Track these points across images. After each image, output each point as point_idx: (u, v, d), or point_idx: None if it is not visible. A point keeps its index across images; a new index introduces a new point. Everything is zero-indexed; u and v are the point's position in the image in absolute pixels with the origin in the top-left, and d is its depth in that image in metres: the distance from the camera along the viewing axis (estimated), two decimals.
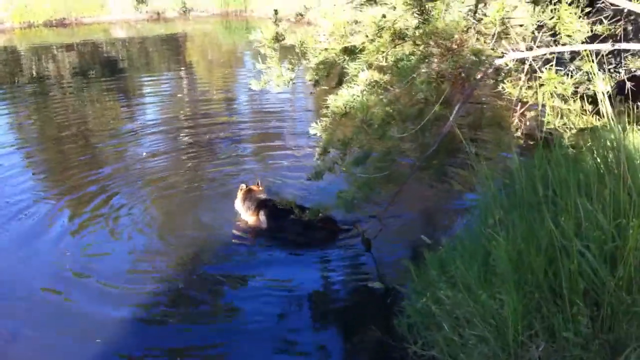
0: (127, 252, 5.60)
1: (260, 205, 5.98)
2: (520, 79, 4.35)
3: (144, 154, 8.71)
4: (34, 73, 16.37)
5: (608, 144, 3.61)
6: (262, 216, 5.91)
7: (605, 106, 3.61)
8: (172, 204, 6.70)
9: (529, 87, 4.31)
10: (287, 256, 5.56)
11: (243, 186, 6.16)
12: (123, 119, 11.46)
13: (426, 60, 4.29)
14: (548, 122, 4.35)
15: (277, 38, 4.74)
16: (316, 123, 4.75)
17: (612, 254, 2.99)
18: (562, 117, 4.39)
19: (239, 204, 6.13)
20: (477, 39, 4.26)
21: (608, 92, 3.65)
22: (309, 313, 4.74)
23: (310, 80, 4.83)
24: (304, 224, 5.39)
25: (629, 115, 3.67)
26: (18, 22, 25.63)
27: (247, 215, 6.06)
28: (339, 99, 4.61)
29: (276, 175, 7.50)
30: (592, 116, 4.29)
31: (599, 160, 3.59)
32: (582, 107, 4.33)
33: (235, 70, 17.11)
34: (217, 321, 4.60)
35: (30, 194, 7.04)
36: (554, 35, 4.25)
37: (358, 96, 4.54)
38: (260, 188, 6.22)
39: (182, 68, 17.76)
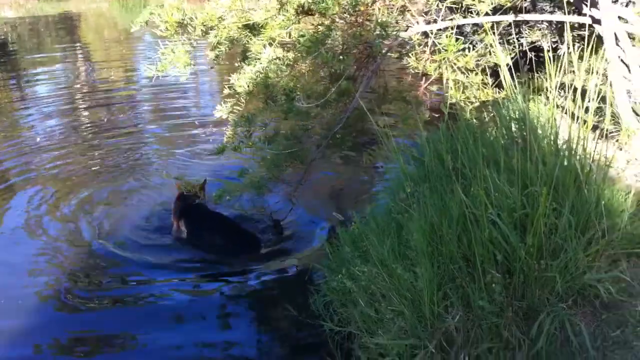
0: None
1: (183, 213, 5.43)
2: (424, 52, 4.36)
3: (38, 139, 8.34)
4: None
5: (512, 115, 3.69)
6: (182, 226, 5.40)
7: (506, 77, 3.67)
8: (75, 195, 6.37)
9: (433, 61, 4.33)
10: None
11: (179, 186, 5.52)
12: (15, 102, 10.90)
13: (332, 35, 4.22)
14: (451, 95, 4.40)
15: (182, 23, 4.50)
16: (220, 104, 4.60)
17: (522, 222, 3.05)
18: (463, 91, 4.44)
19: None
20: (382, 13, 4.23)
21: (508, 63, 3.72)
22: (223, 297, 4.64)
23: (211, 58, 4.66)
24: (224, 234, 5.20)
25: (530, 86, 3.76)
26: None
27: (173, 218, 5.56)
28: (242, 78, 4.48)
29: (182, 157, 7.33)
30: (493, 88, 4.37)
31: (503, 131, 3.66)
32: (483, 80, 4.40)
33: (133, 51, 16.54)
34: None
35: None
36: (457, 8, 4.29)
37: (261, 73, 4.43)
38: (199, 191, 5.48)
39: (77, 49, 17.01)
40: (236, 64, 4.74)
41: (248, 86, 4.48)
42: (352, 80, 4.52)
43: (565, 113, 3.52)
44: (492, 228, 3.01)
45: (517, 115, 3.63)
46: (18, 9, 25.63)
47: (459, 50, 4.20)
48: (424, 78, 4.56)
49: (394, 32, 4.19)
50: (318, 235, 5.16)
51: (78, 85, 12.41)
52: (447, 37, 4.05)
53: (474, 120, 4.08)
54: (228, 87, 4.54)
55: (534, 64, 3.56)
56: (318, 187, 6.08)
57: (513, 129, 3.65)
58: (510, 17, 4.06)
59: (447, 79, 4.40)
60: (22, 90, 12.07)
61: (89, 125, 9.31)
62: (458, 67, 4.35)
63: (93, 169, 7.12)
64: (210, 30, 4.39)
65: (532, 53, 4.28)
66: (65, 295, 4.55)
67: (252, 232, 5.22)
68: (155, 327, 4.20)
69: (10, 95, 11.47)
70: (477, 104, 4.37)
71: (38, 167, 7.24)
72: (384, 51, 4.31)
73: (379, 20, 4.08)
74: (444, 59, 4.24)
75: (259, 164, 4.72)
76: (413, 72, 4.58)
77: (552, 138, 3.35)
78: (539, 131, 3.42)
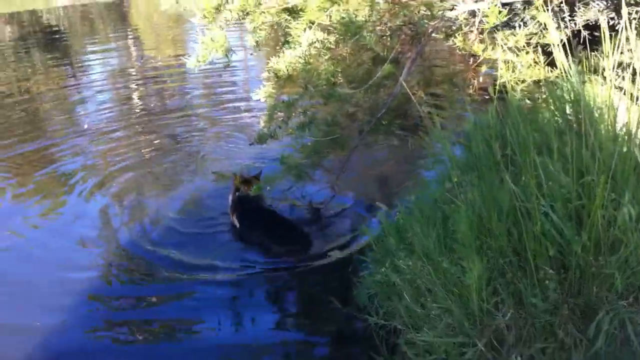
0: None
1: (236, 205, 5.32)
2: (472, 32, 4.14)
3: (86, 125, 8.54)
4: None
5: (565, 96, 3.46)
6: (235, 219, 5.28)
7: (560, 56, 3.44)
8: (129, 182, 6.43)
9: (481, 41, 4.11)
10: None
11: (236, 177, 5.38)
12: (67, 87, 11.11)
13: (373, 16, 4.03)
14: (500, 75, 4.18)
15: (219, 8, 4.38)
16: (259, 88, 4.48)
17: (578, 214, 2.84)
18: (513, 71, 4.21)
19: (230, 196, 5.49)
20: None
21: (562, 40, 3.48)
22: (267, 289, 4.57)
23: (252, 44, 4.53)
24: (275, 235, 5.02)
25: (585, 66, 3.51)
26: None
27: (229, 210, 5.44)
28: (281, 61, 4.35)
29: (227, 144, 7.39)
30: (545, 67, 4.13)
31: (557, 115, 3.43)
32: (535, 59, 4.16)
33: (182, 35, 16.64)
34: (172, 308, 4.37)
35: None
36: None
37: (301, 57, 4.28)
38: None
39: (128, 34, 17.23)
40: (277, 48, 4.59)
41: (287, 70, 4.35)
42: (396, 63, 4.32)
43: (624, 94, 3.28)
44: (545, 220, 2.81)
45: (571, 97, 3.40)
46: None
47: (506, 26, 3.97)
48: (471, 59, 4.34)
49: (439, 12, 3.97)
50: (361, 225, 5.00)
51: (128, 70, 12.65)
52: (489, 6, 3.81)
53: (525, 102, 3.85)
54: (267, 70, 4.41)
55: (587, 44, 3.31)
56: (360, 174, 5.93)
57: (567, 111, 3.42)
58: None
59: (497, 59, 4.18)
60: (74, 75, 12.31)
61: (138, 109, 9.47)
62: (508, 47, 4.12)
63: (142, 154, 7.23)
64: (247, 15, 4.25)
65: (587, 31, 3.99)
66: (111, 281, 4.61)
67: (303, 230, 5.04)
68: (198, 320, 4.16)
69: (62, 80, 11.70)
70: (528, 83, 4.13)
71: (86, 151, 7.41)
72: (429, 32, 4.11)
73: (424, 0, 3.88)
74: (491, 35, 4.01)
75: (298, 151, 4.56)
76: (460, 53, 4.36)
77: (610, 122, 3.10)
78: (596, 114, 3.18)
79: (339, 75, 4.38)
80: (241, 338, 3.98)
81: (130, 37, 16.74)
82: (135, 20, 20.66)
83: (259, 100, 4.52)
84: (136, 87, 11.12)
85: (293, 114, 4.55)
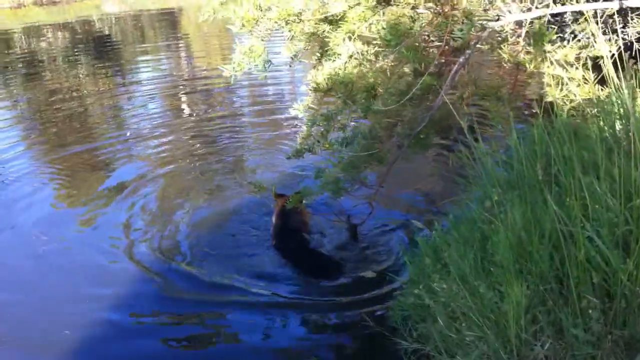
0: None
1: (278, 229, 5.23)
2: (518, 43, 3.96)
3: (129, 133, 8.72)
4: (28, 53, 16.11)
5: (615, 113, 3.26)
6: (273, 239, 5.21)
7: (609, 71, 3.25)
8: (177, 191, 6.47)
9: (528, 53, 3.93)
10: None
11: (278, 202, 5.32)
12: (117, 92, 11.39)
13: (415, 26, 3.90)
14: (547, 93, 3.99)
15: (257, 19, 4.30)
16: (297, 102, 4.39)
17: (625, 240, 2.64)
18: (562, 88, 4.00)
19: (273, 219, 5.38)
20: (470, 1, 3.86)
21: (613, 54, 3.29)
22: (300, 305, 4.42)
23: (289, 55, 4.44)
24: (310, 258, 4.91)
25: (637, 80, 3.30)
26: (7, 2, 25.07)
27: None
28: (320, 74, 4.25)
29: (268, 157, 7.40)
30: (596, 84, 3.92)
31: (605, 133, 3.23)
32: (584, 75, 3.95)
33: (231, 43, 16.77)
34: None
35: (28, 177, 6.96)
36: None
37: (340, 69, 4.17)
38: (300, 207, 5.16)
39: (178, 41, 17.52)
40: (312, 61, 4.50)
41: (326, 83, 4.25)
42: (437, 75, 4.17)
43: None
44: (590, 246, 2.62)
45: (621, 113, 3.20)
46: (121, 4, 26.52)
47: (555, 39, 3.79)
48: (518, 72, 4.15)
49: (482, 22, 3.82)
50: (397, 243, 4.86)
51: (177, 77, 12.82)
52: (538, 25, 3.65)
53: (572, 120, 3.65)
54: (305, 84, 4.32)
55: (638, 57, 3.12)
56: (399, 190, 5.78)
57: (617, 128, 3.22)
58: (615, 4, 3.60)
59: (544, 74, 3.99)
60: (124, 79, 12.65)
61: (184, 116, 9.68)
62: (556, 60, 3.93)
63: (183, 162, 7.34)
64: (286, 24, 4.16)
65: (639, 44, 3.78)
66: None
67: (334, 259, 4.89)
68: (226, 339, 4.11)
69: (113, 84, 12.02)
70: (577, 102, 3.92)
71: (131, 155, 7.64)
72: (472, 43, 3.95)
73: (466, 10, 3.73)
74: (539, 49, 3.83)
75: (336, 166, 4.44)
76: (506, 65, 4.18)
77: None
78: None
79: (379, 87, 4.24)
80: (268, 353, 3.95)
81: (180, 45, 16.99)
82: (186, 28, 20.93)
83: (294, 115, 4.46)
84: (183, 94, 11.31)
85: (332, 128, 4.43)
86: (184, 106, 10.23)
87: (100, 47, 17.00)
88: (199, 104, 10.37)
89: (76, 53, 15.88)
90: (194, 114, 9.63)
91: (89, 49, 16.53)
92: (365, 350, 3.90)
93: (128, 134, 8.63)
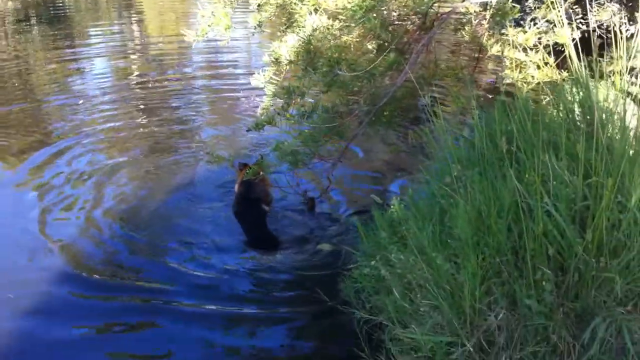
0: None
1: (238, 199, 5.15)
2: (481, 26, 4.02)
3: (81, 101, 8.37)
4: None
5: (576, 97, 3.34)
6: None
7: (572, 57, 3.32)
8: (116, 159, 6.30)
9: (490, 36, 3.99)
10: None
11: (239, 169, 5.21)
12: (67, 60, 10.98)
13: (382, 2, 3.91)
14: (506, 74, 4.06)
15: None
16: (258, 73, 4.35)
17: (582, 216, 2.72)
18: (521, 71, 4.09)
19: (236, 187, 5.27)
20: None
21: (574, 40, 3.36)
22: (253, 277, 4.41)
23: (254, 23, 4.40)
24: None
25: (592, 70, 3.39)
26: None
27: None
28: (283, 46, 4.22)
29: (224, 129, 7.28)
30: (553, 69, 4.01)
31: (566, 114, 3.31)
32: (544, 59, 4.03)
33: (187, 11, 16.59)
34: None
35: None
36: None
37: (304, 41, 4.15)
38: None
39: (131, 11, 17.07)
40: (278, 33, 4.46)
41: (289, 55, 4.22)
42: (401, 53, 4.20)
43: (634, 100, 3.17)
44: (547, 220, 2.69)
45: (581, 98, 3.28)
46: None
47: (517, 24, 3.86)
48: (479, 54, 4.21)
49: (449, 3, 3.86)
50: (353, 216, 4.88)
51: (129, 47, 12.49)
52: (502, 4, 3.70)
53: (532, 102, 3.72)
54: (268, 55, 4.28)
55: (595, 46, 3.19)
56: (358, 165, 5.81)
57: (576, 112, 3.30)
58: None
59: (505, 57, 4.06)
60: (73, 43, 12.33)
61: (136, 86, 9.36)
62: (517, 44, 4.00)
63: (137, 132, 7.14)
64: None
65: (597, 33, 3.87)
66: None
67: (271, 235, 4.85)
68: (178, 306, 4.04)
69: (62, 47, 11.67)
70: (534, 84, 4.01)
71: (82, 125, 7.31)
72: (436, 23, 3.98)
73: None
74: (501, 31, 3.89)
75: (295, 138, 4.43)
76: (468, 47, 4.24)
77: (620, 125, 2.99)
78: (605, 116, 3.06)
79: (342, 62, 4.24)
80: (216, 323, 3.91)
81: (134, 16, 16.61)
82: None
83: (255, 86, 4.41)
84: (136, 61, 11.09)
85: (293, 102, 4.41)
86: (135, 76, 9.95)
87: (51, 12, 16.48)
88: (151, 71, 10.18)
89: (25, 18, 15.36)
90: (146, 86, 9.36)
91: (40, 14, 16.02)
92: (316, 322, 3.93)
93: (76, 99, 8.38)
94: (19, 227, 4.91)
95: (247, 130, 4.70)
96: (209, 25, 4.26)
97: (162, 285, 4.23)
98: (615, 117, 3.02)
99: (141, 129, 7.21)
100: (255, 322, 3.94)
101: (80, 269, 4.40)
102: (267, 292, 4.25)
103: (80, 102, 8.30)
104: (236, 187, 5.17)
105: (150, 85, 9.33)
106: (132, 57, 11.51)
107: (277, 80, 4.39)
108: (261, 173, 4.71)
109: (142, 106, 8.10)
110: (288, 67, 4.32)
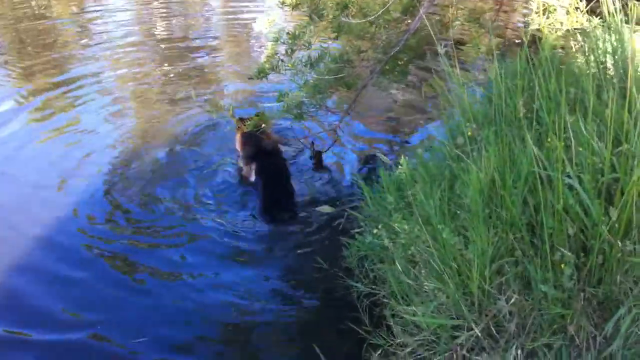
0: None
1: (254, 157, 4.66)
2: None
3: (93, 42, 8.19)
4: None
5: (608, 47, 2.94)
6: (253, 174, 4.64)
7: (605, 0, 2.92)
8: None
9: None
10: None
11: (241, 125, 4.80)
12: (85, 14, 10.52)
13: None
14: (532, 19, 3.65)
15: None
16: (262, 17, 4.01)
17: (609, 189, 2.36)
18: (549, 16, 3.67)
19: (237, 145, 4.88)
20: None
21: None
22: (251, 244, 4.08)
23: None
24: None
25: (627, 15, 2.98)
26: None
27: (241, 162, 4.84)
28: None
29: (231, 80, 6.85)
30: (584, 14, 3.59)
31: (595, 69, 2.91)
32: (574, 3, 3.61)
33: None
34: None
35: None
36: None
37: None
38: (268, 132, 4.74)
39: None
40: None
41: None
42: None
43: None
44: (569, 193, 2.34)
45: (614, 47, 2.88)
46: None
47: None
48: None
49: None
50: (359, 176, 4.53)
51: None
52: None
53: (560, 52, 3.33)
54: None
55: None
56: (367, 119, 5.43)
57: (608, 64, 2.91)
58: None
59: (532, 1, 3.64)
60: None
61: (148, 36, 8.97)
62: None
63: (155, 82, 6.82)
64: None
65: None
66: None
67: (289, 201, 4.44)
68: (180, 269, 3.81)
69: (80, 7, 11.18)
70: (564, 31, 3.60)
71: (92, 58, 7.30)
72: None
73: None
74: None
75: (301, 88, 4.07)
76: None
77: None
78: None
79: (352, 6, 3.86)
80: (219, 288, 3.64)
81: None
82: None
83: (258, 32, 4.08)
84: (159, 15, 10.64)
85: (297, 48, 4.05)
86: (147, 27, 9.63)
87: None
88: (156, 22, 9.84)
89: None
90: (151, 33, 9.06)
91: None
92: (316, 293, 3.62)
93: (92, 42, 8.21)
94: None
95: (249, 79, 4.39)
96: None
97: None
98: None
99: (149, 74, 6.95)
100: (251, 288, 3.66)
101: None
102: (264, 260, 3.95)
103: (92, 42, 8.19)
104: (238, 145, 4.82)
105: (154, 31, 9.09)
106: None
107: (282, 25, 4.06)
108: (263, 126, 4.38)
109: (154, 53, 7.84)
110: (294, 9, 3.96)
